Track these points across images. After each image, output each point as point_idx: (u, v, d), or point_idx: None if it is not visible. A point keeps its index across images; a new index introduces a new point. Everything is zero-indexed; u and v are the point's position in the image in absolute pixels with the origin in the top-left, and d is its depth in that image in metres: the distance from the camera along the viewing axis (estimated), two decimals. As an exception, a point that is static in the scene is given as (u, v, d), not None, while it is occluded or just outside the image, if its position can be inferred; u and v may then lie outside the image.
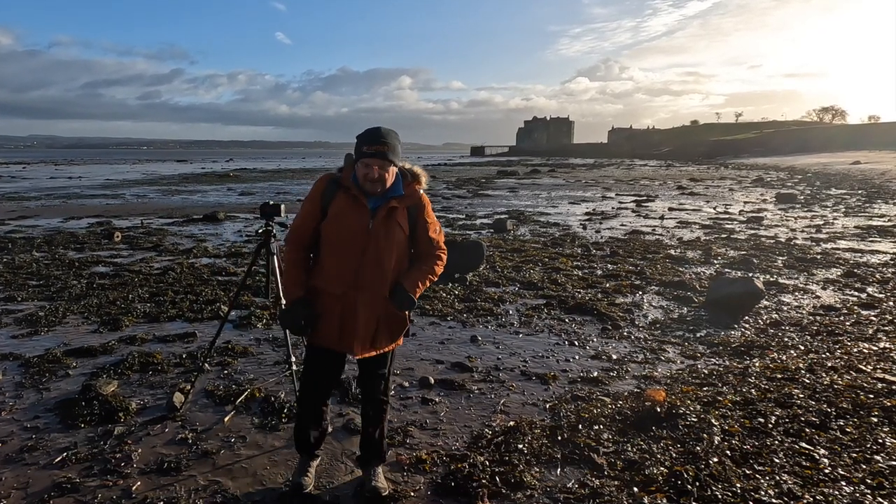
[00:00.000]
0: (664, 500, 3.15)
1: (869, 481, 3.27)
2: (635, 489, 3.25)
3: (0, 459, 3.62)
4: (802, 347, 5.64)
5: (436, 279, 3.12)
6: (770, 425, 3.92)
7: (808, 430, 3.85)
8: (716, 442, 3.69)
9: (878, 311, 6.85)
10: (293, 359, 4.24)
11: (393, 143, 2.86)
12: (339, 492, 3.33)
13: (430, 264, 3.08)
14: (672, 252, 10.66)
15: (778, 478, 3.30)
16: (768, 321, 6.50)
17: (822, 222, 14.90)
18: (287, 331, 3.54)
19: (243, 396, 4.48)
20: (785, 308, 7.04)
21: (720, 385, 4.68)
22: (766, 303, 7.13)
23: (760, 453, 3.56)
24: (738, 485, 3.22)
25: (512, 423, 4.06)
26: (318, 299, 3.03)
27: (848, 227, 13.92)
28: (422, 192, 3.08)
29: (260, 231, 4.35)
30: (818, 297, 7.57)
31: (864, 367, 4.90)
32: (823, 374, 4.78)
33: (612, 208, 19.20)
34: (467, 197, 24.15)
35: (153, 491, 3.30)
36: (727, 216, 16.65)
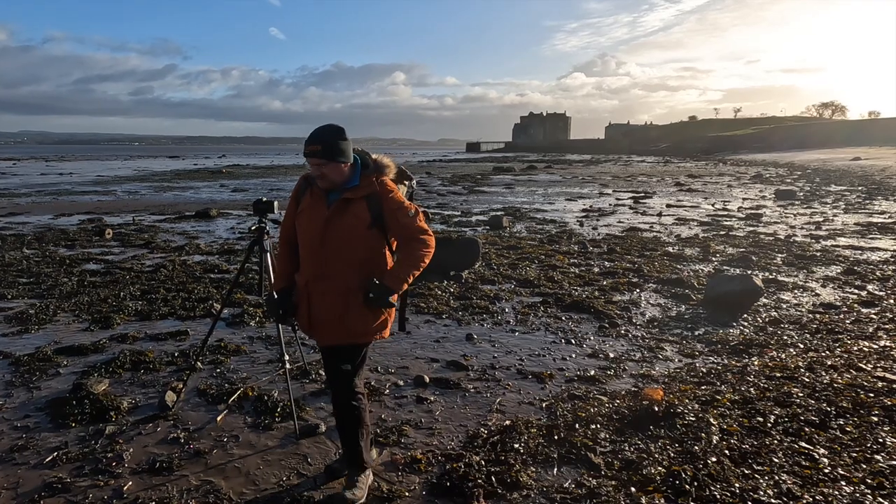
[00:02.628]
0: (662, 500, 3.12)
1: (869, 481, 3.23)
2: (633, 489, 3.22)
3: (-11, 459, 3.58)
4: (802, 346, 5.61)
5: (423, 264, 3.02)
6: (769, 424, 3.88)
7: (807, 429, 3.82)
8: (714, 441, 3.66)
9: (879, 308, 6.81)
10: (287, 357, 4.19)
11: (329, 141, 2.95)
12: (331, 491, 3.29)
13: (411, 251, 3.01)
14: (670, 249, 10.64)
15: (777, 478, 3.26)
16: (767, 319, 6.46)
17: (821, 219, 14.89)
18: (277, 325, 3.86)
19: (236, 395, 4.44)
20: (784, 306, 7.00)
21: (719, 384, 4.65)
22: (765, 300, 7.10)
23: (759, 453, 3.52)
24: (737, 485, 3.19)
25: (508, 423, 4.01)
26: (296, 290, 3.21)
27: (848, 224, 13.91)
28: (385, 180, 3.06)
29: (253, 228, 4.30)
30: (818, 294, 7.54)
31: (864, 366, 4.87)
32: (823, 373, 4.74)
33: (610, 205, 19.17)
34: (463, 193, 24.12)
35: (145, 491, 3.27)
36: (726, 213, 16.63)
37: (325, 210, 3.02)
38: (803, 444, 3.63)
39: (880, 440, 3.65)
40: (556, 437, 3.78)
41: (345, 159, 2.99)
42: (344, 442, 3.27)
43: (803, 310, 6.84)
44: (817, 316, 6.57)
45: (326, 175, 2.98)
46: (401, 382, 4.81)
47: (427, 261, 3.04)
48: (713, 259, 9.79)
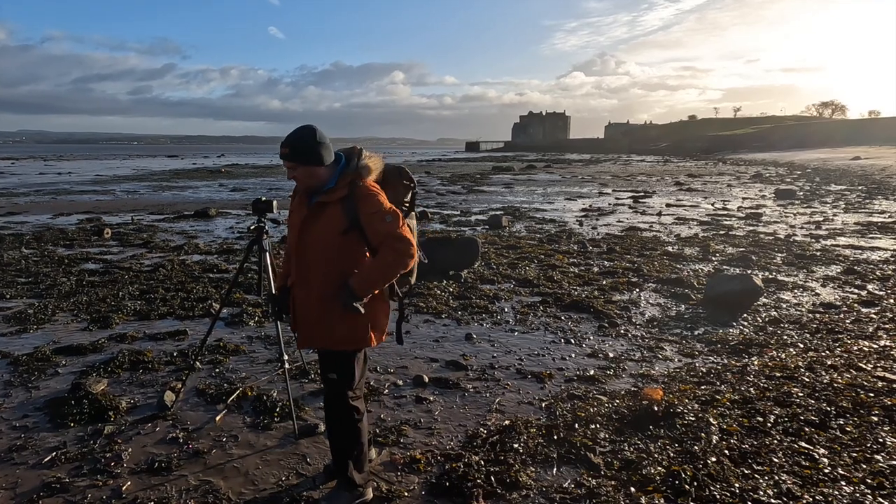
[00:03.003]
0: (661, 501, 3.11)
1: (869, 481, 3.23)
2: (632, 489, 3.21)
3: (-12, 459, 3.57)
4: (802, 345, 5.60)
5: (393, 272, 2.86)
6: (769, 424, 3.87)
7: (807, 429, 3.81)
8: (714, 441, 3.65)
9: (879, 308, 6.80)
10: (286, 357, 4.18)
11: (298, 144, 2.88)
12: (330, 491, 3.27)
13: (380, 257, 2.83)
14: (669, 249, 10.63)
15: (777, 478, 3.26)
16: (767, 319, 6.45)
17: (821, 219, 14.86)
18: (276, 324, 3.90)
19: (235, 395, 4.43)
20: (784, 305, 6.99)
21: (718, 384, 4.64)
22: (764, 300, 7.09)
23: (759, 453, 3.52)
24: (737, 485, 3.18)
25: (507, 423, 4.01)
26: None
27: (848, 224, 13.89)
28: (364, 182, 2.89)
29: (252, 227, 4.29)
30: (818, 294, 7.52)
31: (864, 366, 4.86)
32: (823, 373, 4.73)
33: (609, 204, 19.16)
34: (462, 193, 24.11)
35: (143, 491, 3.27)
36: (725, 212, 16.61)
37: (306, 212, 2.96)
38: (803, 444, 3.63)
39: (880, 440, 3.65)
40: (555, 437, 3.77)
41: (317, 162, 2.88)
42: (331, 451, 3.23)
43: (803, 309, 6.84)
44: (817, 315, 6.56)
45: (298, 178, 2.94)
46: (400, 382, 4.80)
47: (399, 270, 2.86)
48: (713, 258, 9.78)
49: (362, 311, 2.87)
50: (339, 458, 3.14)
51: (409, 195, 3.15)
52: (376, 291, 2.91)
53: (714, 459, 3.42)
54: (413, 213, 3.15)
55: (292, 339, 5.18)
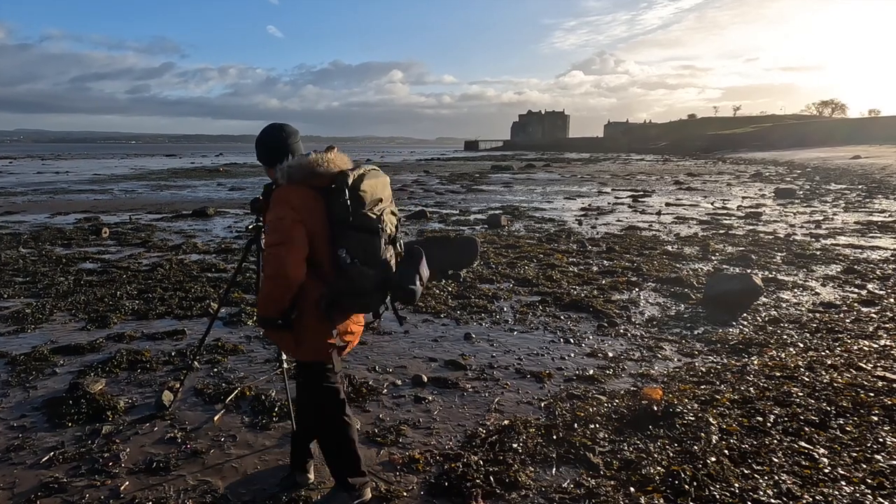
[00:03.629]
0: (661, 501, 3.10)
1: (869, 481, 3.22)
2: (632, 489, 3.20)
3: (-15, 459, 3.56)
4: (801, 345, 5.59)
5: (268, 292, 2.64)
6: (769, 424, 3.86)
7: (807, 429, 3.80)
8: (713, 441, 3.64)
9: (879, 307, 6.79)
10: (284, 356, 4.16)
11: (257, 141, 2.90)
12: (327, 490, 3.26)
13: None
14: (669, 248, 10.62)
15: (777, 477, 3.25)
16: (767, 318, 6.44)
17: (821, 218, 14.84)
18: None
19: (233, 395, 4.42)
20: (784, 305, 6.98)
21: (718, 383, 4.63)
22: (764, 299, 7.08)
23: (759, 453, 3.51)
24: (737, 485, 3.18)
25: (506, 422, 4.00)
26: None
27: (848, 223, 13.87)
28: (280, 190, 2.69)
29: (250, 227, 4.27)
30: (817, 293, 7.51)
31: (864, 365, 4.85)
32: (823, 372, 4.72)
33: (609, 204, 19.14)
34: (461, 192, 24.08)
35: (142, 491, 3.26)
36: (725, 212, 16.59)
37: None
38: (803, 443, 3.62)
39: (880, 440, 3.64)
40: (554, 437, 3.76)
41: (262, 161, 2.87)
42: (323, 454, 3.19)
43: (803, 309, 6.83)
44: (817, 315, 6.55)
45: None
46: (399, 382, 4.79)
47: (274, 293, 2.61)
48: (712, 258, 9.77)
49: (278, 324, 2.73)
50: (329, 461, 3.14)
51: (347, 210, 2.57)
52: (277, 311, 2.68)
53: (714, 459, 3.41)
54: (380, 231, 2.66)
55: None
